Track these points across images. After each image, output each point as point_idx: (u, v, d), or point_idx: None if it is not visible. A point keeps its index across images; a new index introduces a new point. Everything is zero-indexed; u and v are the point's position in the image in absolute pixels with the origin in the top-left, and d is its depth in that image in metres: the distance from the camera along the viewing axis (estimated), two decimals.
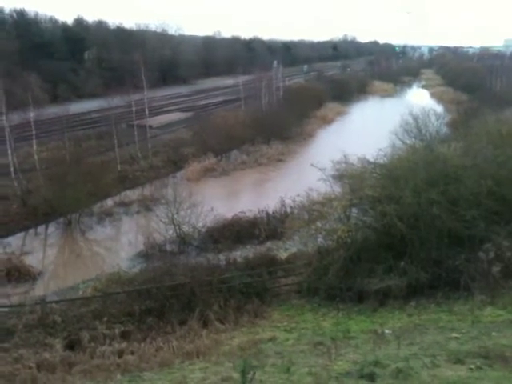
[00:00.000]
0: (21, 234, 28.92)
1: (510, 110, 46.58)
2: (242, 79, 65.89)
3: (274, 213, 28.28)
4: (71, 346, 15.92)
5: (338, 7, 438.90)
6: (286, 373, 9.14)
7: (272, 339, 14.62)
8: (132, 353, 15.25)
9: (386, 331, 12.95)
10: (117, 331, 16.40)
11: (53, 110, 41.50)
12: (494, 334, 11.01)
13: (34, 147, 35.84)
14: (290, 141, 52.01)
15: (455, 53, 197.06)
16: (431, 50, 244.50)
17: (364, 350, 11.20)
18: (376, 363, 8.92)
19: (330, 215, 20.47)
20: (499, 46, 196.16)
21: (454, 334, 11.41)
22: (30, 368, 14.33)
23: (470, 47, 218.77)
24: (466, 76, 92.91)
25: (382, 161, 22.27)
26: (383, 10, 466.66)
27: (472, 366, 8.47)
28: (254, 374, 7.07)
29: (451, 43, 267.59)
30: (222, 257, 22.29)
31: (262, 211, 28.18)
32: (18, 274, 23.31)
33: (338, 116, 73.23)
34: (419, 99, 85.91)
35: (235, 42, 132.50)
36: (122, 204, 33.78)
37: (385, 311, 15.88)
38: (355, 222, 19.51)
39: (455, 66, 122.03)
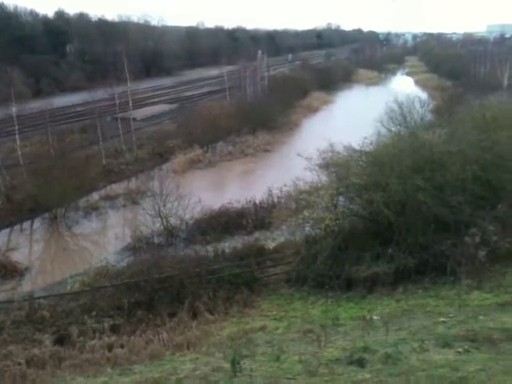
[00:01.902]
0: (6, 230, 28.63)
1: (493, 95, 46.90)
2: (226, 69, 65.51)
3: (261, 203, 28.26)
4: (60, 341, 15.87)
5: None
6: (276, 361, 9.20)
7: (262, 328, 14.68)
8: (122, 346, 15.25)
9: (375, 317, 13.05)
10: (106, 325, 16.38)
11: (36, 105, 40.94)
12: (480, 317, 11.14)
13: (18, 142, 35.43)
14: (275, 131, 51.91)
15: (439, 39, 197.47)
16: (415, 36, 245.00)
17: (353, 336, 11.27)
18: (365, 349, 9.00)
19: (317, 204, 20.54)
20: (482, 31, 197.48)
21: (442, 319, 11.52)
22: (20, 364, 14.28)
23: (454, 33, 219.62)
24: (449, 62, 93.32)
25: (367, 149, 22.34)
26: None
27: (460, 350, 8.56)
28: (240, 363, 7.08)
29: (435, 30, 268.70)
30: (210, 248, 22.29)
31: (250, 202, 28.17)
32: (5, 271, 23.12)
33: (324, 105, 73.21)
34: (404, 86, 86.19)
35: (219, 32, 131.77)
36: (108, 198, 33.56)
37: (373, 298, 16.01)
38: (342, 210, 19.60)
39: (439, 52, 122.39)
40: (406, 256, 16.51)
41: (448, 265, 15.82)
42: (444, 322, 11.24)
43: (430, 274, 16.24)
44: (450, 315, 11.91)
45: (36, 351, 15.01)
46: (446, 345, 8.95)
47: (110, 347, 15.24)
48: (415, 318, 12.64)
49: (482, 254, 15.57)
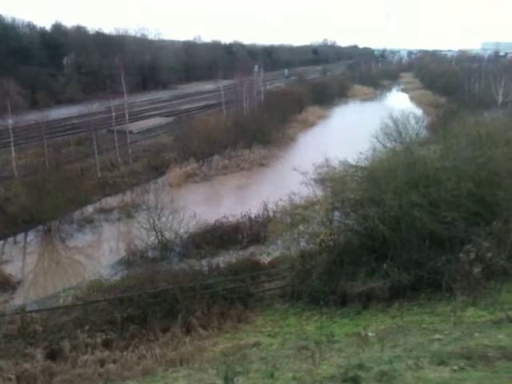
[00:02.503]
0: None
1: (488, 111, 47.26)
2: (222, 84, 65.85)
3: (256, 217, 28.22)
4: (52, 355, 15.70)
5: (318, 12, 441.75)
6: (270, 378, 9.08)
7: (256, 344, 14.55)
8: (114, 361, 15.09)
9: (370, 334, 12.95)
10: (98, 340, 16.22)
11: (32, 117, 40.98)
12: (476, 334, 11.06)
13: (13, 154, 35.38)
14: (271, 145, 52.03)
15: (434, 56, 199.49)
16: (410, 53, 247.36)
17: (348, 353, 11.17)
18: (360, 366, 8.90)
19: (313, 219, 20.53)
20: (477, 49, 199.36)
21: (437, 336, 11.44)
22: (10, 380, 14.08)
23: (449, 50, 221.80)
24: (444, 79, 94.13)
25: (363, 164, 22.41)
26: (362, 14, 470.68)
27: (455, 367, 8.48)
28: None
29: (430, 47, 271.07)
30: (204, 262, 22.20)
31: (245, 216, 28.13)
32: None
33: (320, 120, 73.56)
34: (399, 102, 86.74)
35: (216, 46, 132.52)
36: (103, 211, 33.42)
37: (368, 314, 15.91)
38: (338, 225, 19.58)
39: (434, 69, 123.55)
40: (401, 272, 16.45)
41: (443, 281, 15.78)
42: (439, 339, 11.16)
43: (425, 291, 16.19)
44: (446, 332, 11.84)
45: (27, 366, 14.82)
46: (442, 362, 8.87)
47: (102, 362, 15.08)
48: (410, 334, 12.56)
49: (477, 270, 15.53)
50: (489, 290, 15.23)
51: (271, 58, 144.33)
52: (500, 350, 9.16)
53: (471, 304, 14.45)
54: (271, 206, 28.42)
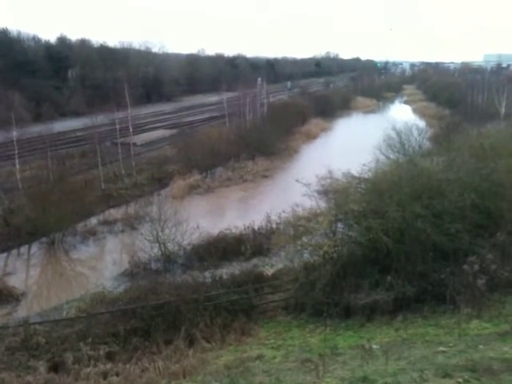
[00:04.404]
0: (3, 255, 28.45)
1: (491, 123, 47.28)
2: (226, 96, 66.14)
3: (259, 229, 28.20)
4: (55, 368, 15.64)
5: (321, 25, 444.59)
6: None
7: (259, 357, 14.46)
8: (117, 374, 15.02)
9: (374, 346, 12.87)
10: (101, 352, 16.16)
11: (36, 129, 41.21)
12: (480, 346, 11.00)
13: (17, 166, 35.50)
14: (274, 157, 52.13)
15: (436, 68, 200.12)
16: (413, 65, 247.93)
17: (352, 365, 11.11)
18: (364, 379, 8.87)
19: (316, 230, 20.53)
20: (479, 61, 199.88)
21: (442, 348, 11.38)
22: None
23: (452, 62, 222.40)
24: (447, 91, 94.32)
25: (366, 175, 22.41)
26: (365, 27, 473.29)
27: (460, 380, 8.44)
28: None
29: (432, 59, 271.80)
30: (207, 274, 22.18)
31: (248, 228, 28.11)
32: (0, 296, 22.88)
33: (322, 132, 73.74)
34: (402, 114, 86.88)
35: (219, 59, 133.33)
36: (106, 222, 33.47)
37: (372, 326, 15.83)
38: (341, 236, 19.52)
39: (437, 81, 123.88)
40: (404, 284, 16.39)
41: (447, 293, 15.71)
42: (444, 351, 11.10)
43: (430, 303, 16.11)
44: (450, 344, 11.77)
45: (30, 378, 14.77)
46: (446, 375, 8.82)
47: (105, 375, 15.01)
48: (415, 347, 12.49)
49: (481, 282, 15.43)
50: (493, 302, 15.14)
51: (274, 70, 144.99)
52: (505, 363, 9.11)
53: (476, 316, 14.37)
54: (274, 217, 28.41)
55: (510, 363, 9.05)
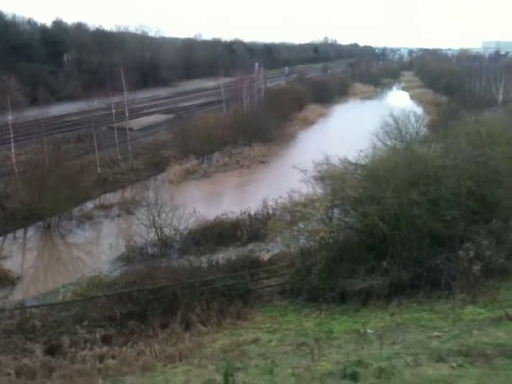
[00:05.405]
0: None
1: (488, 110, 47.26)
2: (223, 81, 65.82)
3: (256, 214, 28.22)
4: (51, 351, 15.69)
5: (319, 10, 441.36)
6: (269, 374, 9.09)
7: (255, 341, 14.55)
8: (113, 357, 15.06)
9: (369, 331, 12.96)
10: (98, 335, 16.22)
11: (32, 113, 40.97)
12: (475, 332, 11.08)
13: (12, 150, 35.31)
14: (271, 142, 52.02)
15: (434, 55, 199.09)
16: (411, 52, 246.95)
17: (347, 349, 11.19)
18: (359, 363, 8.92)
19: (313, 216, 20.52)
20: (478, 47, 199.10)
21: (436, 333, 11.45)
22: (9, 374, 14.07)
23: (449, 49, 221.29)
24: (445, 78, 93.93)
25: (363, 162, 22.39)
26: (363, 13, 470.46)
27: (454, 364, 8.50)
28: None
29: (430, 45, 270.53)
30: (204, 259, 22.19)
31: (245, 213, 28.12)
32: None
33: (320, 118, 73.57)
34: (399, 101, 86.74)
35: (216, 44, 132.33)
36: (103, 207, 33.45)
37: (367, 311, 15.92)
38: (337, 222, 19.56)
39: (434, 67, 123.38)
40: (400, 270, 16.46)
41: (442, 279, 15.79)
42: (438, 336, 11.18)
43: (425, 288, 16.19)
44: (444, 330, 11.85)
45: (26, 361, 14.82)
46: (440, 359, 8.89)
47: (101, 358, 15.06)
48: (409, 332, 12.57)
49: (476, 268, 15.51)
50: (488, 288, 15.23)
51: (272, 56, 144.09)
52: (498, 348, 9.18)
53: (470, 302, 14.47)
54: (271, 203, 28.44)
55: (504, 348, 9.12)
